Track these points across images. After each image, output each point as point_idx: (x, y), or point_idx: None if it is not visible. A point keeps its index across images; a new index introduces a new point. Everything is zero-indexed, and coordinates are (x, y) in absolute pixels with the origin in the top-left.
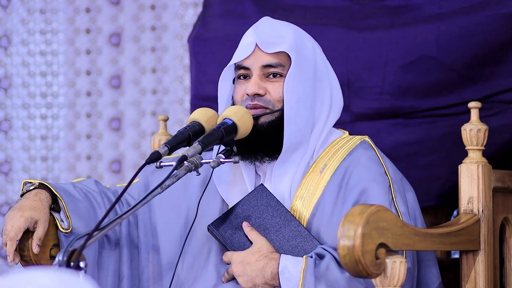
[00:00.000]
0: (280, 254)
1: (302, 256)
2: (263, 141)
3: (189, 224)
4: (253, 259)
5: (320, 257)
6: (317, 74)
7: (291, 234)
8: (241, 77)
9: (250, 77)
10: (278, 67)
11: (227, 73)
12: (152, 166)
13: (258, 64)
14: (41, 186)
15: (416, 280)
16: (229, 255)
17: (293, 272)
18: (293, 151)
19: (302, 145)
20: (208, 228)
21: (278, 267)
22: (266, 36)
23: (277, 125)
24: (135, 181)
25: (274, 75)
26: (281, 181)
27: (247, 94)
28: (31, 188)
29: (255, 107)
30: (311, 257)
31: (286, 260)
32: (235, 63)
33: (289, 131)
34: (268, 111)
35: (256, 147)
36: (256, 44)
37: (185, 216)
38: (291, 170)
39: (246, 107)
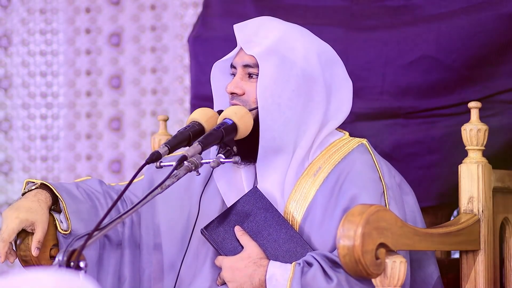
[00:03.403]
0: (269, 260)
1: (293, 261)
2: (240, 141)
3: (191, 223)
4: (242, 265)
5: (309, 264)
6: (307, 78)
7: (283, 238)
8: (233, 76)
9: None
10: (255, 68)
11: (223, 69)
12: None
13: (241, 64)
14: (43, 186)
15: (409, 280)
16: (220, 260)
17: (280, 280)
18: (273, 154)
19: (284, 149)
20: (201, 231)
21: (266, 275)
22: (248, 36)
23: (255, 125)
24: (139, 178)
25: (253, 75)
26: (267, 182)
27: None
28: (32, 188)
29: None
30: (300, 264)
31: (274, 268)
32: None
33: (264, 134)
34: None
35: (239, 148)
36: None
37: (187, 216)
38: (276, 171)
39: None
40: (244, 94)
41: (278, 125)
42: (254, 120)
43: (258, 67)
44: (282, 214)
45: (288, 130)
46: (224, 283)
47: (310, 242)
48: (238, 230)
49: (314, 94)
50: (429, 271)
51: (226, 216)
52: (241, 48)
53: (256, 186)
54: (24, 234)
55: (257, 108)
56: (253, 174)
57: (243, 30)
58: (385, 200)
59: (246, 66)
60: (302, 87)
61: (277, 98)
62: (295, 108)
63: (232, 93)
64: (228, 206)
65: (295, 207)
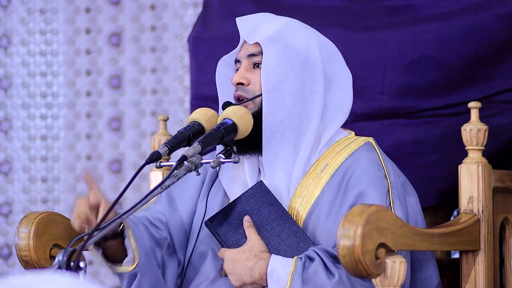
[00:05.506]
0: (271, 254)
1: (295, 256)
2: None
3: (192, 217)
4: (243, 257)
5: (311, 259)
6: (308, 68)
7: (286, 233)
8: (236, 71)
9: None
10: (260, 56)
11: (228, 66)
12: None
13: (245, 55)
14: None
15: (409, 280)
16: (222, 252)
17: (281, 274)
18: (277, 144)
19: (287, 139)
20: (205, 223)
21: (267, 268)
22: (251, 28)
23: (259, 115)
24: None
25: (258, 64)
26: (273, 176)
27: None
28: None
29: (237, 97)
30: (301, 259)
31: (276, 262)
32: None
33: (267, 119)
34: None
35: (242, 139)
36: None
37: (190, 210)
38: (282, 166)
39: (234, 98)
40: (249, 84)
41: (280, 111)
42: (257, 110)
43: (263, 54)
44: (287, 210)
45: (289, 118)
46: (227, 275)
47: (315, 238)
48: (246, 221)
49: (314, 85)
50: (429, 272)
51: (230, 209)
52: (244, 42)
53: (261, 180)
54: (24, 234)
55: (261, 95)
56: (256, 169)
57: (246, 22)
58: (389, 198)
59: (250, 55)
60: (303, 76)
61: (280, 83)
62: (295, 96)
63: (238, 84)
64: (232, 200)
65: (300, 203)
